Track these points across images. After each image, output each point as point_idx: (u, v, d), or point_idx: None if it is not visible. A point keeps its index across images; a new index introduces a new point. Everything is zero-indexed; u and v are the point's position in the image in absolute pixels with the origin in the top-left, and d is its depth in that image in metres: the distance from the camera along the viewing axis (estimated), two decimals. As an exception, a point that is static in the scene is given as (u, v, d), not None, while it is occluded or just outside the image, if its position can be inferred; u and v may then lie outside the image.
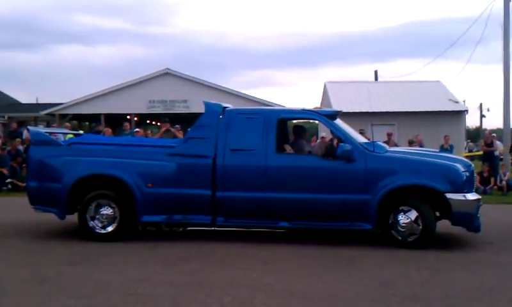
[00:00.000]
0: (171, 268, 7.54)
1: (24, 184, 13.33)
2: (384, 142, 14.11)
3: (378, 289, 6.60)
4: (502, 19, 22.33)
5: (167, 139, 15.04)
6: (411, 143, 19.66)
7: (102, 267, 7.61)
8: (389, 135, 20.38)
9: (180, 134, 17.28)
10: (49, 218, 10.11)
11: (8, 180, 18.48)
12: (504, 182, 18.63)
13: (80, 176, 9.33)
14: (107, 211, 9.29)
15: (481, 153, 21.07)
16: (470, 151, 39.70)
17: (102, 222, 9.30)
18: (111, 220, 9.29)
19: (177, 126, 19.74)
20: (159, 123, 32.54)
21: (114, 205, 9.28)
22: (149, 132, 18.89)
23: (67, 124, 21.78)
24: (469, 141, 39.22)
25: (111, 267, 7.64)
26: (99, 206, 9.30)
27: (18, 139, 20.41)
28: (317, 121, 10.80)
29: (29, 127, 11.37)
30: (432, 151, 10.71)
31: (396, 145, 18.32)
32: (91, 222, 9.29)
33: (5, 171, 18.44)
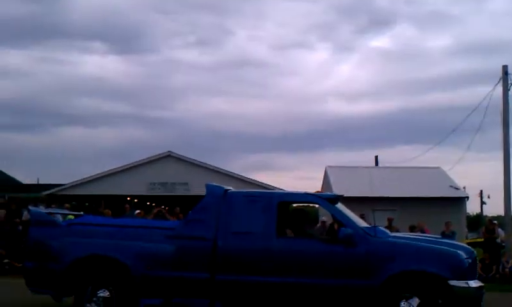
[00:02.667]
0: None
1: (21, 265, 13.16)
2: (385, 227, 14.03)
3: None
4: (501, 107, 22.60)
5: (158, 221, 15.03)
6: (412, 229, 19.57)
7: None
8: (390, 220, 20.32)
9: (170, 216, 17.31)
10: (45, 300, 9.94)
11: (5, 260, 18.28)
12: (506, 270, 18.43)
13: (77, 257, 9.22)
14: (104, 294, 9.12)
15: (482, 240, 20.92)
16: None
17: (98, 305, 9.12)
18: (108, 303, 9.12)
19: (177, 208, 19.76)
20: (153, 204, 32.56)
21: (111, 287, 9.13)
22: (138, 211, 18.86)
23: (67, 205, 21.76)
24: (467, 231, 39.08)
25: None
26: (96, 289, 9.14)
27: (17, 219, 20.32)
28: (317, 205, 10.79)
29: (29, 207, 11.37)
30: (434, 237, 10.66)
31: (397, 230, 18.23)
32: (88, 305, 9.12)
33: (2, 252, 18.27)
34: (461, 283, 8.62)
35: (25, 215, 19.60)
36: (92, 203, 35.01)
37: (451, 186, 34.87)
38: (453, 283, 8.59)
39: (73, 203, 24.69)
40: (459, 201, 33.83)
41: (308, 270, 8.95)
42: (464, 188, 38.02)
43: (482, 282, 9.71)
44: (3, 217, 20.90)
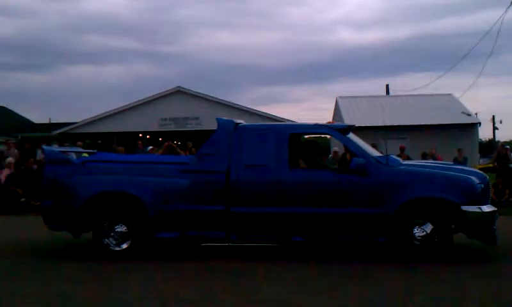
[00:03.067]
0: (187, 285, 7.52)
1: (38, 203, 13.38)
2: (397, 155, 14.05)
3: (394, 303, 6.55)
4: (513, 31, 22.20)
5: (170, 156, 15.09)
6: (424, 156, 19.58)
7: (118, 284, 7.60)
8: (402, 148, 20.34)
9: (181, 151, 17.34)
10: (64, 236, 10.13)
11: (23, 200, 18.56)
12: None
13: (94, 194, 9.34)
14: (121, 228, 9.29)
15: (495, 164, 20.89)
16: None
17: (116, 239, 9.30)
18: (125, 237, 9.29)
19: (189, 143, 19.83)
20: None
21: (128, 222, 9.29)
22: (151, 147, 18.91)
23: (79, 143, 21.88)
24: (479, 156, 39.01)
25: (126, 284, 7.63)
26: (113, 224, 9.30)
27: (31, 159, 20.52)
28: (329, 136, 10.78)
29: (43, 146, 11.42)
30: (447, 164, 10.67)
31: (409, 158, 18.27)
32: (106, 239, 9.29)
33: (19, 191, 18.53)
34: (473, 208, 8.67)
35: (40, 155, 19.80)
36: (104, 140, 35.22)
37: (463, 112, 34.70)
38: (466, 208, 8.64)
39: (87, 141, 24.81)
40: (471, 127, 33.73)
41: (321, 201, 9.03)
42: (476, 114, 37.91)
43: (495, 206, 9.76)
44: (18, 157, 21.13)
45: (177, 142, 19.64)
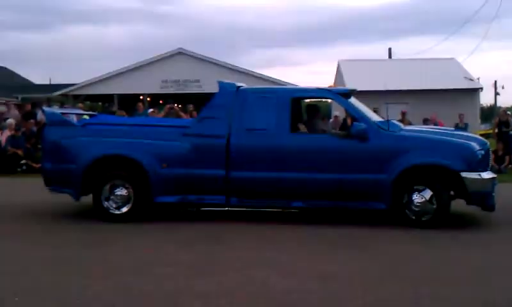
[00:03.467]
0: (186, 249, 7.56)
1: (39, 165, 13.41)
2: (399, 120, 14.02)
3: (392, 269, 6.59)
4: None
5: (171, 118, 15.09)
6: (425, 121, 19.54)
7: (117, 248, 7.65)
8: (403, 113, 20.27)
9: (183, 114, 17.33)
10: (64, 199, 10.16)
11: (23, 161, 18.58)
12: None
13: (95, 157, 9.34)
14: (121, 192, 9.30)
15: (496, 131, 20.82)
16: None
17: (116, 203, 9.33)
18: (125, 201, 9.31)
19: (190, 105, 19.78)
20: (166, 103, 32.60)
21: (128, 186, 9.29)
22: (152, 110, 18.87)
23: (80, 105, 21.83)
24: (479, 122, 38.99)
25: (126, 247, 7.68)
26: (114, 187, 9.31)
27: (32, 120, 20.49)
28: (330, 101, 10.74)
29: (44, 108, 11.40)
30: (448, 130, 10.65)
31: (410, 123, 18.23)
32: (106, 203, 9.32)
33: (20, 152, 18.54)
34: (473, 175, 8.67)
35: (40, 116, 19.75)
36: (104, 101, 35.15)
37: (465, 77, 34.55)
38: (465, 174, 8.64)
39: (87, 102, 24.74)
40: (473, 93, 33.62)
41: (322, 165, 9.03)
42: (478, 79, 37.69)
43: (495, 173, 9.77)
44: (18, 118, 21.09)
45: (178, 105, 19.55)
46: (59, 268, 6.60)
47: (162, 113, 17.90)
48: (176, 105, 17.55)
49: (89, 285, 5.91)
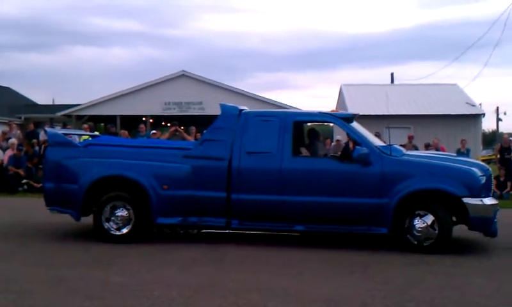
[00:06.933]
0: (186, 271, 7.54)
1: (40, 185, 13.41)
2: (403, 145, 14.02)
3: (394, 294, 6.55)
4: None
5: (175, 140, 15.09)
6: (427, 147, 19.54)
7: (117, 269, 7.61)
8: (410, 138, 20.25)
9: (189, 136, 17.32)
10: (65, 219, 10.14)
11: (24, 181, 18.59)
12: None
13: (96, 178, 9.34)
14: (122, 213, 9.29)
15: (498, 156, 20.79)
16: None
17: (117, 223, 9.31)
18: (126, 222, 9.30)
19: (193, 127, 19.79)
20: (168, 124, 32.60)
21: (129, 207, 9.28)
22: (154, 132, 18.84)
23: (85, 126, 21.82)
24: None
25: (125, 268, 7.65)
26: (114, 208, 9.30)
27: (34, 140, 20.52)
28: (332, 124, 10.75)
29: (46, 128, 11.42)
30: (450, 155, 10.64)
31: (416, 148, 18.23)
32: (107, 223, 9.30)
33: (21, 172, 18.56)
34: (475, 201, 8.65)
35: (42, 136, 19.78)
36: (107, 122, 35.19)
37: (467, 103, 34.55)
38: (467, 200, 8.62)
39: (90, 123, 24.76)
40: (475, 118, 33.58)
41: (324, 189, 9.01)
42: (480, 105, 37.70)
43: (497, 199, 9.75)
44: (20, 138, 21.13)
45: (181, 127, 19.53)
46: (58, 289, 6.57)
47: (167, 135, 17.91)
48: (180, 126, 17.52)
49: (89, 306, 5.87)
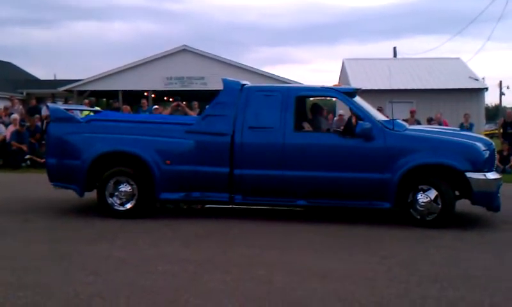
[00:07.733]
0: (189, 246, 7.56)
1: (43, 160, 13.42)
2: (405, 120, 13.99)
3: (397, 268, 6.56)
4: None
5: (178, 115, 15.06)
6: (430, 121, 19.48)
7: (121, 244, 7.64)
8: (412, 112, 20.20)
9: (191, 111, 17.28)
10: (68, 195, 10.16)
11: (27, 156, 18.61)
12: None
13: (99, 153, 9.34)
14: (125, 188, 9.30)
15: (501, 131, 20.71)
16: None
17: (120, 199, 9.33)
18: (129, 197, 9.31)
19: (194, 102, 19.76)
20: (170, 99, 32.52)
21: (132, 182, 9.29)
22: (156, 107, 18.79)
23: (86, 101, 21.78)
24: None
25: (129, 243, 7.67)
26: (118, 183, 9.31)
27: (37, 116, 20.50)
28: (335, 99, 10.70)
29: (48, 104, 11.40)
30: (453, 130, 10.61)
31: (419, 123, 18.18)
32: (110, 199, 9.32)
33: (24, 148, 18.57)
34: (478, 175, 8.64)
35: (45, 111, 19.77)
36: (109, 98, 35.13)
37: (470, 77, 34.39)
38: (470, 174, 8.62)
39: (92, 98, 24.67)
40: (477, 92, 33.45)
41: (326, 164, 9.01)
42: (483, 79, 37.56)
43: (500, 173, 9.73)
44: (23, 114, 21.11)
45: (183, 102, 19.47)
46: (62, 264, 6.59)
47: (169, 110, 17.87)
48: (182, 101, 17.45)
49: (93, 281, 5.90)
